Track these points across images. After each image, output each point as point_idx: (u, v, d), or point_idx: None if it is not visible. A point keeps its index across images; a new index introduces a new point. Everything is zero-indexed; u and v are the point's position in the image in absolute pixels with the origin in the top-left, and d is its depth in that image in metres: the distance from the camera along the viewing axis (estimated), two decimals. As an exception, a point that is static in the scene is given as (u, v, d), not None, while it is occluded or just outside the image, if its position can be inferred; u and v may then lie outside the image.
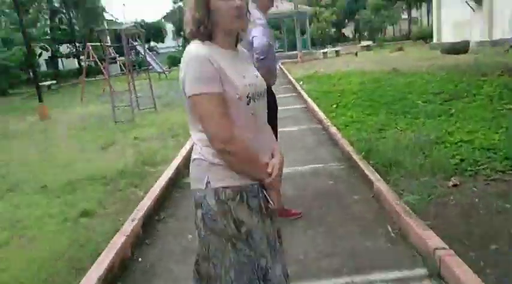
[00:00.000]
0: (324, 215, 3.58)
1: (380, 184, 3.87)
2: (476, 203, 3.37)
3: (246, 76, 1.51)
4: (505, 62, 12.14)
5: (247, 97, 1.48)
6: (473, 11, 20.59)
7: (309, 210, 3.69)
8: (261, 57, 2.96)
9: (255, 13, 2.99)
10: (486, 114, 6.05)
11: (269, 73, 3.04)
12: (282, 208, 3.55)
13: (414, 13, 45.40)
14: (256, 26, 3.00)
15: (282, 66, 19.84)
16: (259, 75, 1.63)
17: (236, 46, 1.60)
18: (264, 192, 1.57)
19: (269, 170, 1.56)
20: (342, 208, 3.72)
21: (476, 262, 2.53)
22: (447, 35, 23.09)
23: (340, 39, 49.18)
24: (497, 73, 9.67)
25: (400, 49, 23.81)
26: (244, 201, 1.52)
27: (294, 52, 26.99)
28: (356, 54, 24.57)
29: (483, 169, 4.01)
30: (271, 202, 1.57)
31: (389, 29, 47.54)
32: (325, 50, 27.75)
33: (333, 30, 47.48)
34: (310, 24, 37.84)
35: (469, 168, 4.06)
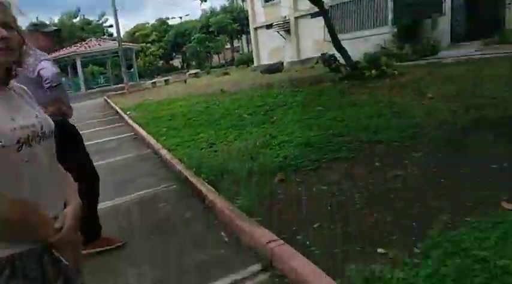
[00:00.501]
0: (154, 241, 3.23)
1: (211, 195, 3.75)
2: (300, 191, 3.56)
3: (16, 118, 1.16)
4: (311, 75, 13.88)
5: (18, 142, 1.13)
6: (285, 39, 23.82)
7: (136, 239, 3.29)
8: (54, 84, 2.80)
9: (38, 52, 2.86)
10: (301, 117, 6.64)
11: (63, 103, 3.00)
12: (104, 238, 3.11)
13: (236, 43, 49.29)
14: (42, 61, 2.83)
15: (108, 99, 18.79)
16: (41, 114, 1.28)
17: (8, 83, 1.24)
18: (55, 252, 1.19)
19: (57, 225, 1.19)
20: (173, 228, 3.45)
21: (302, 243, 2.59)
22: (265, 59, 26.23)
23: (169, 69, 49.77)
24: (306, 85, 10.93)
25: (226, 73, 25.25)
26: (19, 274, 1.12)
27: (121, 85, 25.90)
28: (185, 81, 24.99)
29: (302, 161, 4.29)
30: (64, 261, 1.20)
31: (215, 57, 50.36)
32: (154, 80, 27.54)
33: (161, 62, 47.80)
34: (137, 58, 37.26)
35: (291, 163, 4.30)
